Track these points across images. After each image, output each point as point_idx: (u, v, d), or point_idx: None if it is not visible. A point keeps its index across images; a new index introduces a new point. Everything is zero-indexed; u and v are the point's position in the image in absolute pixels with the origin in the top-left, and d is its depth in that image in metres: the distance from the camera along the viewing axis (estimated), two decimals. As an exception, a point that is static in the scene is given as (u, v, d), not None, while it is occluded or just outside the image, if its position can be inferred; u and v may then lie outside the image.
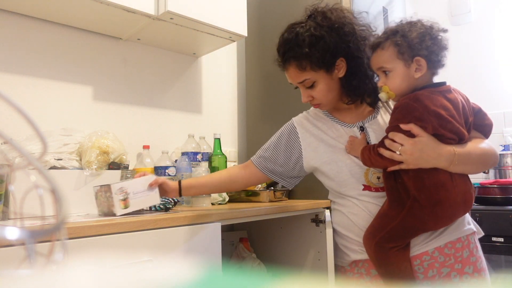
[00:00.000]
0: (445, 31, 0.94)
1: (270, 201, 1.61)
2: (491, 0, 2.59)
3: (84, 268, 0.24)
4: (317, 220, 1.52)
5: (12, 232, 0.26)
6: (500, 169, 2.23)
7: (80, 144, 1.32)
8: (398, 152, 0.90)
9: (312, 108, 1.16)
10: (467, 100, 0.96)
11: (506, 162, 2.23)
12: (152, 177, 1.11)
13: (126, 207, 1.06)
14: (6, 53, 1.37)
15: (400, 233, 0.92)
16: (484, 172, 2.32)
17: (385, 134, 0.95)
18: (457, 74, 2.66)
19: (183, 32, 1.61)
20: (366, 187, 1.02)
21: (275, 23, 1.95)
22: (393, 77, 0.93)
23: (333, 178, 1.06)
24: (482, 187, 1.96)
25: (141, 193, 1.09)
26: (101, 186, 1.09)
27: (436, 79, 0.98)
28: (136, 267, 0.94)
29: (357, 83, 1.02)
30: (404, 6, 2.14)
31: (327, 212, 1.54)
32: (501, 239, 1.73)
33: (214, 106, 2.04)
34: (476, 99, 0.95)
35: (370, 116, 1.08)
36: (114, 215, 1.05)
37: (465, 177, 0.93)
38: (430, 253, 0.95)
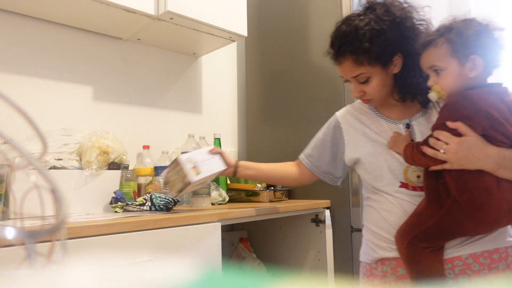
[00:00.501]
0: (501, 29, 0.87)
1: (270, 201, 1.61)
2: (491, 0, 2.59)
3: (84, 268, 0.24)
4: (317, 220, 1.52)
5: (12, 232, 0.26)
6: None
7: (80, 144, 1.32)
8: (442, 151, 0.85)
9: (357, 101, 1.11)
10: None
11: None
12: (210, 147, 1.19)
13: (198, 173, 1.11)
14: (6, 53, 1.37)
15: (435, 233, 0.88)
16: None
17: (430, 132, 0.92)
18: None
19: (183, 32, 1.61)
20: (404, 185, 0.97)
21: (275, 23, 1.95)
22: (445, 76, 0.87)
23: (371, 171, 1.02)
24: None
25: (207, 160, 1.15)
26: (168, 166, 1.16)
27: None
28: (136, 267, 0.94)
29: (411, 80, 0.97)
30: (404, 6, 2.13)
31: (327, 212, 1.54)
32: None
33: (214, 106, 2.04)
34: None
35: (418, 114, 1.02)
36: (189, 183, 1.10)
37: None
38: (464, 258, 0.90)
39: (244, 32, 1.70)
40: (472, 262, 0.89)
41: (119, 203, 1.22)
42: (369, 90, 0.98)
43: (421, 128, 1.00)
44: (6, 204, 1.00)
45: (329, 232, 1.52)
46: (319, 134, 1.16)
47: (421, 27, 0.98)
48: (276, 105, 1.90)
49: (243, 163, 1.21)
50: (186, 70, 1.92)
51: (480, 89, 0.85)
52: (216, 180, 1.66)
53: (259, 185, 1.67)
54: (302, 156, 1.19)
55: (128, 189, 1.35)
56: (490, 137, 0.84)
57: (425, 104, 1.02)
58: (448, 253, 0.90)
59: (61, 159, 1.23)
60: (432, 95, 0.90)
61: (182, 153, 1.63)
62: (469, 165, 0.83)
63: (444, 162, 0.86)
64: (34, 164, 0.29)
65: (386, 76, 0.97)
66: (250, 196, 1.65)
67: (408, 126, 1.01)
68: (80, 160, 1.28)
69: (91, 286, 0.22)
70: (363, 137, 1.04)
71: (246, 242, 1.72)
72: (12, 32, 1.39)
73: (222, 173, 1.19)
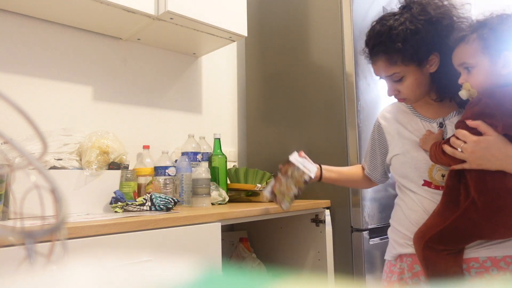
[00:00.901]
0: None
1: (270, 201, 1.61)
2: (491, 0, 2.59)
3: (84, 268, 0.24)
4: (317, 220, 1.52)
5: (12, 232, 0.26)
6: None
7: (80, 144, 1.32)
8: (459, 150, 0.84)
9: (391, 104, 1.13)
10: None
11: None
12: (296, 152, 1.20)
13: (309, 171, 1.15)
14: (6, 53, 1.37)
15: (451, 235, 0.85)
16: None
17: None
18: (457, 74, 2.66)
19: (183, 32, 1.61)
20: (426, 183, 0.97)
21: (275, 23, 1.95)
22: (476, 73, 0.84)
23: (398, 168, 1.03)
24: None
25: (305, 162, 1.18)
26: (279, 170, 1.17)
27: None
28: (136, 267, 0.94)
29: (449, 80, 0.95)
30: (404, 6, 2.13)
31: (327, 212, 1.54)
32: None
33: (214, 106, 2.04)
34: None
35: (453, 113, 1.01)
36: (306, 182, 1.13)
37: None
38: (481, 261, 0.87)
39: (244, 32, 1.70)
40: (490, 266, 0.86)
41: (119, 203, 1.22)
42: (404, 89, 0.98)
43: (454, 127, 0.98)
44: (6, 204, 1.00)
45: (329, 232, 1.52)
46: (369, 140, 1.19)
47: (462, 26, 0.95)
48: (276, 105, 1.90)
49: (325, 166, 1.22)
50: (186, 70, 1.92)
51: (509, 87, 0.81)
52: (216, 180, 1.66)
53: (259, 185, 1.67)
54: (363, 163, 1.22)
55: (128, 189, 1.35)
56: None
57: (462, 104, 0.99)
58: (464, 253, 0.88)
59: (61, 159, 1.23)
60: (463, 93, 0.88)
61: (182, 153, 1.63)
62: (488, 165, 0.81)
63: (463, 161, 0.84)
64: (34, 164, 0.29)
65: (421, 76, 0.96)
66: (250, 196, 1.64)
67: (441, 125, 1.00)
68: (80, 160, 1.28)
69: (91, 286, 0.22)
70: (396, 135, 1.05)
71: (246, 242, 1.72)
72: (12, 32, 1.39)
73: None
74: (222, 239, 1.16)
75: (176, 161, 1.57)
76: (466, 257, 0.87)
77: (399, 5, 0.99)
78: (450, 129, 0.99)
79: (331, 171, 1.22)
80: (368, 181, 1.22)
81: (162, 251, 1.00)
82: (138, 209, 1.22)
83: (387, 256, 1.07)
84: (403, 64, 0.94)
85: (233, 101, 2.15)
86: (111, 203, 1.24)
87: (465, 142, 0.83)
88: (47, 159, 1.20)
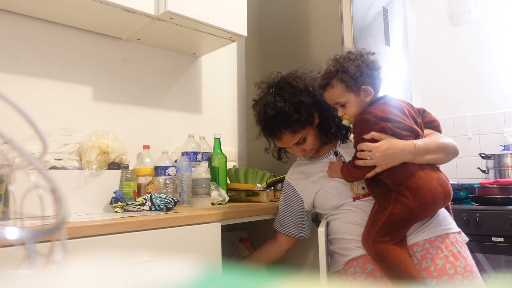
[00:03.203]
0: (373, 54, 1.10)
1: (270, 201, 1.60)
2: (491, 0, 2.59)
3: (84, 268, 0.24)
4: (317, 220, 1.52)
5: (12, 232, 0.26)
6: (500, 169, 2.23)
7: (80, 144, 1.31)
8: (369, 158, 1.02)
9: (293, 165, 1.33)
10: (409, 105, 1.11)
11: (506, 162, 2.22)
12: None
13: None
14: (6, 53, 1.37)
15: (392, 225, 1.00)
16: (484, 172, 2.31)
17: (355, 151, 1.09)
18: (457, 74, 2.66)
19: (183, 32, 1.61)
20: (356, 198, 1.15)
21: (275, 23, 1.95)
22: (349, 107, 1.09)
23: (324, 203, 1.19)
24: (482, 187, 1.96)
25: None
26: None
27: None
28: (136, 267, 0.94)
29: (330, 124, 1.21)
30: (404, 6, 2.14)
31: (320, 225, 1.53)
32: (501, 239, 1.73)
33: (214, 106, 2.04)
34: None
35: (338, 142, 1.27)
36: None
37: (434, 168, 1.05)
38: (421, 244, 1.04)
39: (244, 32, 1.70)
40: (430, 247, 1.03)
41: (119, 203, 1.22)
42: (308, 146, 1.20)
43: (346, 150, 1.23)
44: (6, 204, 1.00)
45: (320, 232, 1.51)
46: (281, 202, 1.32)
47: (316, 81, 1.20)
48: (276, 105, 1.90)
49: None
50: (186, 70, 1.92)
51: (373, 104, 1.08)
52: (216, 180, 1.66)
53: (259, 185, 1.67)
54: (276, 226, 1.33)
55: (128, 189, 1.35)
56: (398, 134, 1.02)
57: (346, 137, 1.25)
58: (407, 241, 1.05)
59: (61, 159, 1.23)
60: (345, 123, 1.13)
61: (182, 153, 1.63)
62: (393, 161, 1.00)
63: (374, 167, 1.02)
64: (34, 164, 0.29)
65: (315, 130, 1.21)
66: (250, 196, 1.64)
67: (336, 153, 1.24)
68: (80, 160, 1.28)
69: (91, 286, 0.22)
70: (308, 184, 1.24)
71: (246, 242, 1.71)
72: (12, 32, 1.39)
73: None
74: (222, 239, 1.16)
75: (176, 161, 1.57)
76: (409, 243, 1.04)
77: (268, 88, 1.23)
78: (344, 153, 1.22)
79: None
80: (285, 245, 1.32)
81: (162, 251, 1.00)
82: (138, 209, 1.22)
83: (334, 269, 1.17)
84: (302, 128, 1.17)
85: (233, 101, 2.15)
86: (111, 203, 1.24)
87: (370, 151, 1.01)
88: (47, 159, 1.20)
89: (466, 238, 1.13)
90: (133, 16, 1.43)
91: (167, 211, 1.22)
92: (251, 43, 2.06)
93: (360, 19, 1.63)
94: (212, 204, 1.51)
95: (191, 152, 1.62)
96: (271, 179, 1.70)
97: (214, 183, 1.60)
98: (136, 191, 1.39)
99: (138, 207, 1.22)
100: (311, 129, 1.19)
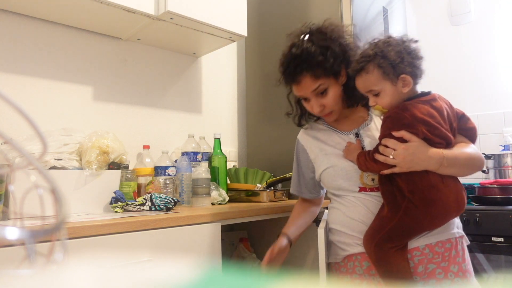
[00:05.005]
0: (416, 41, 1.00)
1: (270, 201, 1.60)
2: (491, 0, 2.59)
3: (84, 268, 0.24)
4: (317, 220, 1.52)
5: (12, 232, 0.26)
6: (500, 169, 2.23)
7: (80, 144, 1.31)
8: (391, 157, 0.95)
9: (309, 124, 1.24)
10: (450, 107, 1.03)
11: (506, 162, 2.22)
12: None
13: None
14: (6, 53, 1.37)
15: (398, 233, 0.97)
16: (483, 172, 2.32)
17: (378, 140, 1.02)
18: (457, 74, 2.66)
19: (183, 32, 1.61)
20: (362, 189, 1.08)
21: (275, 23, 1.95)
22: (383, 96, 0.99)
23: (331, 181, 1.12)
24: (482, 187, 1.96)
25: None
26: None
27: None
28: (136, 267, 0.94)
29: (354, 84, 1.07)
30: (404, 6, 2.14)
31: (327, 212, 1.54)
32: (501, 239, 1.73)
33: (214, 106, 2.04)
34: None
35: (364, 123, 1.16)
36: None
37: (455, 179, 0.98)
38: (421, 249, 1.01)
39: (244, 32, 1.70)
40: (428, 252, 1.00)
41: (119, 203, 1.22)
42: (328, 102, 1.09)
43: (368, 134, 1.13)
44: (6, 204, 1.00)
45: (320, 231, 1.51)
46: (294, 164, 1.26)
47: (351, 39, 1.14)
48: (276, 105, 1.90)
49: (290, 231, 1.22)
50: (186, 70, 1.92)
51: (414, 100, 0.98)
52: (216, 180, 1.66)
53: (259, 185, 1.67)
54: (292, 189, 1.28)
55: (128, 189, 1.35)
56: (430, 140, 0.95)
57: (368, 105, 1.13)
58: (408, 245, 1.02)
59: (61, 159, 1.23)
60: (376, 113, 1.04)
61: (182, 153, 1.63)
62: (416, 167, 0.94)
63: (393, 166, 0.96)
64: (34, 164, 0.29)
65: (338, 87, 1.09)
66: (250, 196, 1.64)
67: (357, 135, 1.14)
68: (80, 160, 1.28)
69: (91, 286, 0.22)
70: (320, 153, 1.16)
71: (246, 242, 1.71)
72: (12, 32, 1.39)
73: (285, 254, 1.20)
74: (222, 239, 1.16)
75: (176, 161, 1.57)
76: (409, 247, 1.00)
77: (299, 35, 1.13)
78: (365, 137, 1.12)
79: (295, 233, 1.23)
80: (313, 206, 1.28)
81: (162, 251, 1.00)
82: (138, 209, 1.22)
83: (333, 259, 1.14)
84: (325, 76, 1.06)
85: (233, 101, 2.15)
86: (111, 203, 1.24)
87: (394, 150, 0.95)
88: (47, 159, 1.20)
89: (468, 241, 1.09)
90: (133, 16, 1.43)
91: (167, 211, 1.22)
92: (251, 43, 2.06)
93: (360, 19, 1.63)
94: (212, 204, 1.51)
95: (191, 152, 1.62)
96: (271, 179, 1.70)
97: (214, 183, 1.60)
98: (136, 191, 1.39)
99: (138, 207, 1.22)
100: (335, 83, 1.08)
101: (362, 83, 1.01)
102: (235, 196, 1.68)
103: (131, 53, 1.71)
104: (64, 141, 1.28)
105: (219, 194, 1.55)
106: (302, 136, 1.23)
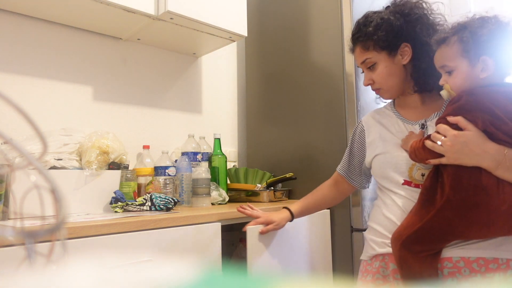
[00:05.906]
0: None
1: (270, 201, 1.60)
2: (491, 0, 2.59)
3: (84, 268, 0.24)
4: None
5: (12, 232, 0.26)
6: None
7: (80, 144, 1.32)
8: (439, 143, 0.83)
9: (382, 106, 1.16)
10: None
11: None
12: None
13: None
14: (6, 53, 1.37)
15: (427, 234, 0.84)
16: None
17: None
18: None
19: (183, 32, 1.61)
20: (406, 182, 0.97)
21: (275, 23, 1.95)
22: (455, 76, 0.85)
23: (378, 169, 1.04)
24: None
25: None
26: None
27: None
28: (136, 267, 0.94)
29: (426, 66, 0.97)
30: (404, 6, 2.13)
31: (327, 211, 1.54)
32: (501, 239, 1.72)
33: (214, 106, 2.04)
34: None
35: (434, 114, 1.01)
36: None
37: None
38: (454, 261, 0.85)
39: (244, 32, 1.70)
40: (463, 266, 0.84)
41: (119, 203, 1.22)
42: (376, 77, 1.03)
43: (435, 128, 0.98)
44: (6, 204, 1.00)
45: (328, 232, 1.52)
46: (349, 143, 1.19)
47: (437, 19, 1.02)
48: (276, 105, 1.90)
49: (294, 208, 1.19)
50: (186, 70, 1.92)
51: (489, 87, 0.82)
52: (216, 180, 1.66)
53: (259, 185, 1.67)
54: (339, 168, 1.21)
55: (128, 189, 1.35)
56: (491, 133, 0.80)
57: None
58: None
59: (61, 159, 1.23)
60: (443, 94, 0.90)
61: (182, 153, 1.63)
62: (465, 160, 0.80)
63: (442, 156, 0.84)
64: (34, 164, 0.29)
65: (392, 65, 1.01)
66: (250, 196, 1.64)
67: (423, 126, 1.01)
68: (80, 160, 1.28)
69: (91, 286, 0.22)
70: (377, 138, 1.07)
71: (246, 242, 1.71)
72: (12, 32, 1.39)
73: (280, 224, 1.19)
74: (222, 239, 1.16)
75: (176, 161, 1.57)
76: (441, 256, 0.86)
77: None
78: (431, 130, 0.98)
79: (301, 212, 1.20)
80: (338, 194, 1.21)
81: (162, 251, 1.00)
82: (138, 209, 1.22)
83: (363, 257, 1.08)
84: (375, 50, 1.01)
85: (233, 101, 2.15)
86: (111, 203, 1.24)
87: (445, 136, 0.83)
88: (47, 159, 1.20)
89: None
90: (133, 16, 1.43)
91: (167, 211, 1.22)
92: (251, 43, 2.06)
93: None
94: (212, 204, 1.51)
95: (191, 152, 1.62)
96: (271, 179, 1.70)
97: (214, 183, 1.60)
98: (136, 191, 1.39)
99: (138, 207, 1.22)
100: (388, 60, 1.00)
101: (439, 56, 0.88)
102: (235, 196, 1.68)
103: (131, 53, 1.71)
104: (64, 141, 1.28)
105: (219, 194, 1.55)
106: (367, 118, 1.14)
